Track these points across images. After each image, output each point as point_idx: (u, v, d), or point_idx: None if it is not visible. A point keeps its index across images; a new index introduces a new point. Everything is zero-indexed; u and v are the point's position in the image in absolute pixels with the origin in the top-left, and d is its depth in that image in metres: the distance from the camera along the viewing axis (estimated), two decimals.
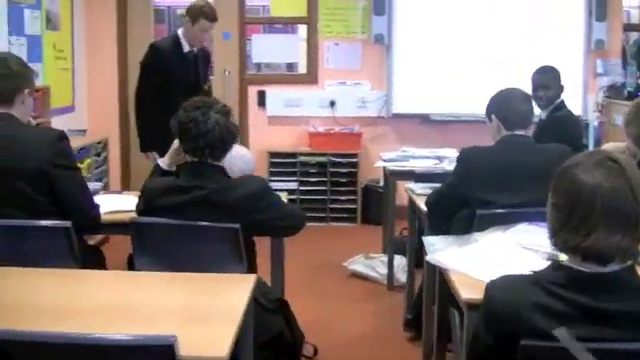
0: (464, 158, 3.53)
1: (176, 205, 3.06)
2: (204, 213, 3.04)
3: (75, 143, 5.78)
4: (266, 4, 7.69)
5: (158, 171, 3.40)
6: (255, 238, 3.27)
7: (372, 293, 5.27)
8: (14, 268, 2.73)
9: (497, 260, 2.70)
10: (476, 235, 3.06)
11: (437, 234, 3.48)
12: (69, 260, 3.11)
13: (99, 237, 5.34)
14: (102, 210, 3.44)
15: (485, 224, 3.27)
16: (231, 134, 3.13)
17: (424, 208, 3.78)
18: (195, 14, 5.15)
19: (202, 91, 5.43)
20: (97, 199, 3.74)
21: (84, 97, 7.25)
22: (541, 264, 2.65)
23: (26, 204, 3.08)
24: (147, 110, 5.21)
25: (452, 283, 2.58)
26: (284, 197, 3.79)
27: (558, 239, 1.92)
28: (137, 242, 3.16)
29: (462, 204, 3.51)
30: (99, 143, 6.27)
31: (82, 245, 3.30)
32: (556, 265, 1.95)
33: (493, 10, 7.04)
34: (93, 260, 3.39)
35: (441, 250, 2.91)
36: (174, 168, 3.36)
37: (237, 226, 3.03)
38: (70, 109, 6.88)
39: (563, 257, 1.98)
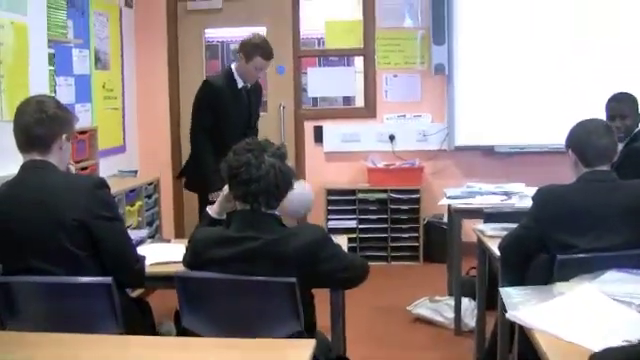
0: (541, 198, 3.22)
1: (226, 258, 2.79)
2: (257, 266, 2.77)
3: (125, 185, 5.67)
4: (321, 36, 7.45)
5: (207, 220, 3.15)
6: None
7: (438, 339, 4.93)
8: (51, 334, 2.50)
9: (588, 317, 2.37)
10: (560, 286, 2.74)
11: (513, 282, 3.18)
12: (110, 320, 2.87)
13: None
14: (147, 261, 3.20)
15: (566, 270, 2.98)
16: (286, 179, 2.87)
17: (497, 252, 3.45)
18: (250, 51, 4.86)
19: (254, 128, 5.19)
20: (143, 249, 3.55)
21: (135, 137, 7.10)
22: (637, 318, 2.36)
23: (64, 259, 2.85)
24: (209, 152, 4.89)
25: (539, 346, 2.25)
26: (343, 243, 3.50)
27: None
28: (183, 298, 2.90)
29: (540, 248, 3.20)
30: (150, 184, 6.06)
31: (125, 299, 3.06)
32: None
33: (559, 35, 6.68)
34: (137, 315, 3.13)
35: (522, 304, 2.58)
36: (224, 216, 3.11)
37: (293, 280, 2.75)
38: (121, 149, 6.72)
39: None
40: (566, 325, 2.32)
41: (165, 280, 3.08)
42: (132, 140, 7.00)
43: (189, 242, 2.95)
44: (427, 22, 6.88)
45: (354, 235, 6.86)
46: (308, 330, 3.02)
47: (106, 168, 6.20)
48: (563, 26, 6.68)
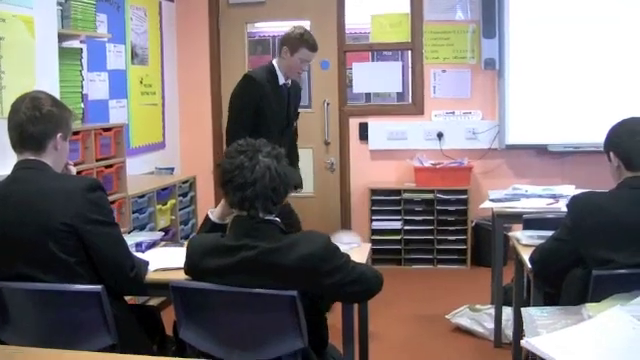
0: (576, 208, 2.92)
1: (221, 268, 2.58)
2: (255, 278, 2.55)
3: (160, 182, 5.52)
4: (367, 30, 7.17)
5: (208, 225, 2.93)
6: None
7: (477, 351, 4.64)
8: (38, 350, 2.33)
9: (613, 348, 2.09)
10: (589, 307, 2.44)
11: (546, 299, 2.91)
12: (102, 330, 2.71)
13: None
14: (152, 267, 3.02)
15: (603, 287, 2.68)
16: (284, 181, 2.63)
17: (529, 265, 3.16)
18: (295, 43, 4.68)
19: (291, 129, 4.97)
20: (152, 253, 3.37)
21: (176, 134, 6.95)
22: None
23: (54, 265, 2.68)
24: None
25: None
26: (365, 251, 3.27)
27: None
28: (180, 309, 2.71)
29: (575, 262, 2.91)
30: (185, 182, 5.88)
31: (122, 308, 2.87)
32: None
33: (616, 28, 6.31)
34: (135, 325, 2.92)
35: (544, 328, 2.31)
36: (227, 221, 2.89)
37: (294, 293, 2.52)
38: (160, 146, 6.58)
39: None
40: (586, 357, 2.03)
41: (166, 288, 2.87)
42: (172, 136, 6.85)
43: (187, 249, 2.75)
44: (478, 15, 6.57)
45: (399, 237, 6.64)
46: (318, 346, 2.80)
47: (143, 165, 6.09)
48: (621, 16, 6.31)
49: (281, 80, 4.77)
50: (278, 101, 4.77)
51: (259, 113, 4.66)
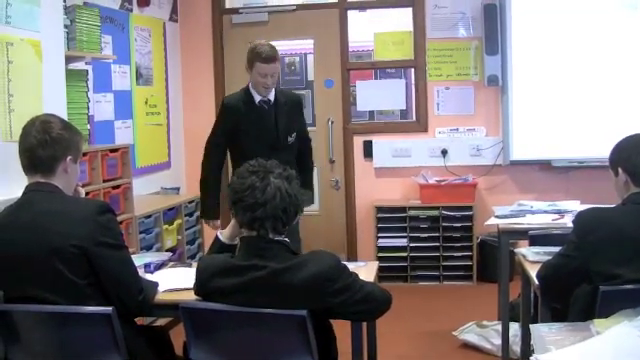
0: (582, 224, 2.93)
1: (231, 288, 2.61)
2: (264, 297, 2.58)
3: (165, 203, 5.54)
4: (370, 48, 7.22)
5: (217, 245, 2.96)
6: None
7: None
8: None
9: None
10: (597, 324, 2.45)
11: (553, 316, 2.91)
12: (112, 351, 2.72)
13: None
14: (161, 288, 3.04)
15: (610, 302, 2.69)
16: (294, 203, 2.65)
17: (536, 281, 3.17)
18: (250, 58, 4.57)
19: (285, 145, 4.74)
20: (161, 274, 3.38)
21: (181, 153, 6.98)
22: None
23: (63, 287, 2.69)
24: (211, 173, 4.77)
25: None
26: (372, 270, 3.28)
27: None
28: (190, 329, 2.73)
29: (582, 277, 2.91)
30: (191, 202, 5.90)
31: (132, 330, 2.89)
32: None
33: (619, 43, 6.34)
34: (144, 347, 2.94)
35: (553, 345, 2.32)
36: (237, 242, 2.91)
37: (304, 313, 2.54)
38: (166, 166, 6.61)
39: None
40: None
41: (174, 309, 2.89)
42: (178, 156, 6.88)
43: (196, 270, 2.77)
44: (481, 32, 6.60)
45: (405, 254, 6.65)
46: None
47: (149, 185, 6.11)
48: (624, 32, 6.35)
49: (257, 98, 4.67)
50: (259, 119, 4.66)
51: (237, 135, 4.65)
